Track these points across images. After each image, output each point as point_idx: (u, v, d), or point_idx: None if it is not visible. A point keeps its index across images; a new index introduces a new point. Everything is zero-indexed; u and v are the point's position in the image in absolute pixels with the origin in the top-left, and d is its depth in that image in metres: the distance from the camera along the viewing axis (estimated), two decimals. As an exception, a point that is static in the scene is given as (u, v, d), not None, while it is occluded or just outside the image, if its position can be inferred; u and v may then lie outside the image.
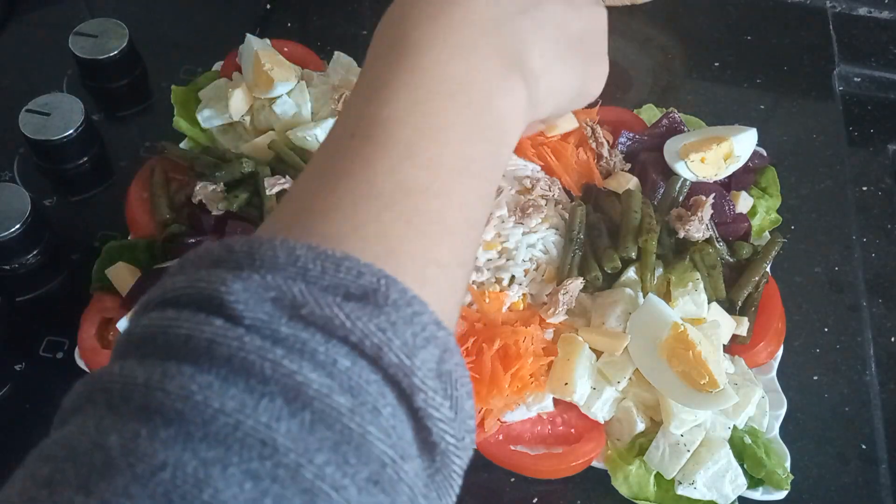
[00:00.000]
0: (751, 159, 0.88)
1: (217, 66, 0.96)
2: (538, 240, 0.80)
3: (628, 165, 0.88)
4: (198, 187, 0.81)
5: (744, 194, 0.87)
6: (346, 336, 0.29)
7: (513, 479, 0.73)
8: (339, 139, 0.37)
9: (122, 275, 0.77)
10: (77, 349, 0.74)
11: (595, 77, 0.47)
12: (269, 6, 1.08)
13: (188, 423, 0.27)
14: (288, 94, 0.89)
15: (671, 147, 0.86)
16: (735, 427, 0.73)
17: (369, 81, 0.38)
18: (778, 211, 0.89)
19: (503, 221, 0.80)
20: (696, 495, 0.70)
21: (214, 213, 0.81)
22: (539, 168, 0.86)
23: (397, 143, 0.35)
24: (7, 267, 0.82)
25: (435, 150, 0.35)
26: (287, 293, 0.29)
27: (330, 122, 0.87)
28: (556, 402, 0.74)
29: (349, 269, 0.30)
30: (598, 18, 0.46)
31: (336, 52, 0.95)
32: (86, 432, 0.27)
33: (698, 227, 0.79)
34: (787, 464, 0.72)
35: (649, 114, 0.94)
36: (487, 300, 0.76)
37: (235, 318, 0.29)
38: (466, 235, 0.37)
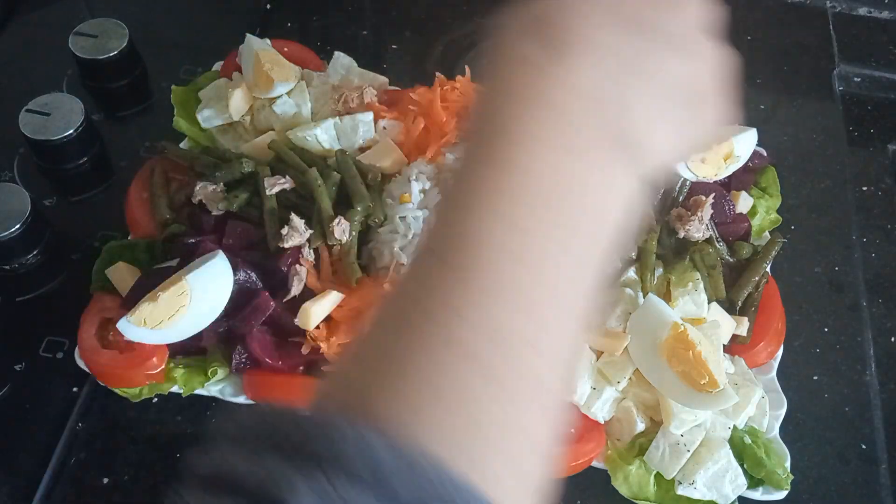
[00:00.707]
0: (751, 159, 0.87)
1: (217, 66, 0.96)
2: (538, 240, 0.80)
3: (628, 165, 0.88)
4: (198, 187, 0.81)
5: (744, 194, 0.87)
6: None
7: (513, 479, 0.73)
8: (426, 261, 0.33)
9: (122, 275, 0.77)
10: (77, 349, 0.74)
11: (704, 125, 0.40)
12: (269, 6, 1.08)
13: None
14: (288, 94, 0.89)
15: (671, 147, 0.86)
16: (735, 427, 0.73)
17: (460, 180, 0.34)
18: (778, 211, 0.89)
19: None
20: (696, 495, 0.70)
21: (214, 213, 0.81)
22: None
23: (488, 277, 0.31)
24: (7, 267, 0.82)
25: (528, 280, 0.31)
26: None
27: (330, 122, 0.87)
28: (556, 402, 0.74)
29: (441, 496, 0.27)
30: (710, 59, 0.39)
31: (336, 52, 0.95)
32: None
33: (698, 227, 0.79)
34: (787, 464, 0.72)
35: (649, 114, 0.94)
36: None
37: None
38: (562, 389, 0.33)
